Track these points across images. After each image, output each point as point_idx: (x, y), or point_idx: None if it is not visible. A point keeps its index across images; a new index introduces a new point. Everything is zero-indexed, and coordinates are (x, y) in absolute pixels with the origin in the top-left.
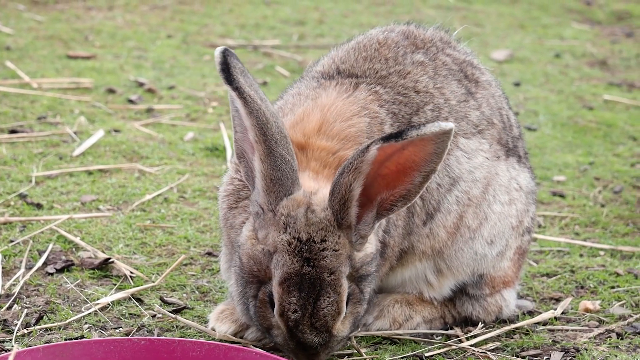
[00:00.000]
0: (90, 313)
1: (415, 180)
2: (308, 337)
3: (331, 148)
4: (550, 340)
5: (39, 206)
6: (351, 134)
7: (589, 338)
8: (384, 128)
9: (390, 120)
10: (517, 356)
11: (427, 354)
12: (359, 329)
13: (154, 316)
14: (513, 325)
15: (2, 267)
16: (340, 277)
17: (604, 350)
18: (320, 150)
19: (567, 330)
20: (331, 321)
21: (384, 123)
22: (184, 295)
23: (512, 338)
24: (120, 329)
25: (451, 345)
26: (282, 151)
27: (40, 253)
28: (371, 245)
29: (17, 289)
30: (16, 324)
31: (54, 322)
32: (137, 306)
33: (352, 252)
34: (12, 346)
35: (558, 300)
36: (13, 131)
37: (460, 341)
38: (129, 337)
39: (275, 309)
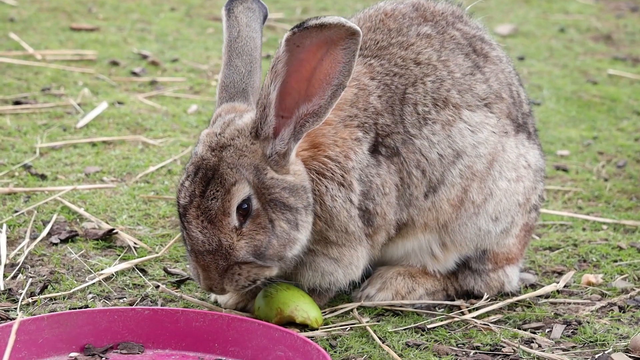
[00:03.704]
0: (94, 283)
1: (326, 94)
2: (193, 231)
3: None
4: (552, 313)
5: (43, 177)
6: None
7: (591, 311)
8: (370, 99)
9: (380, 92)
10: (519, 328)
11: (429, 326)
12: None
13: (157, 287)
14: (515, 298)
15: (7, 237)
16: (236, 175)
17: (605, 323)
18: None
19: (569, 304)
20: (217, 218)
21: (372, 94)
22: (188, 266)
23: (514, 311)
24: (124, 299)
25: (453, 318)
26: (239, 63)
27: (45, 223)
28: (295, 178)
29: (21, 259)
30: (21, 293)
31: (58, 292)
32: (141, 277)
33: (263, 164)
34: (17, 315)
35: (560, 273)
36: (17, 102)
37: (463, 313)
38: (133, 306)
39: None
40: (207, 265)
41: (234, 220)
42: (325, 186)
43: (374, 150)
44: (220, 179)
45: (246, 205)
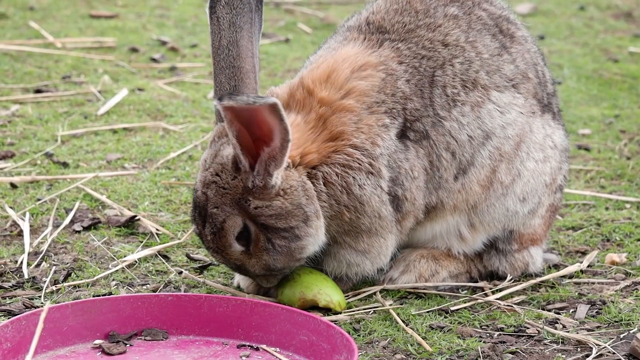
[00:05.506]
0: (117, 270)
1: (276, 145)
2: (214, 256)
3: (329, 98)
4: (577, 293)
5: (65, 165)
6: (360, 87)
7: (615, 291)
8: (398, 84)
9: (408, 76)
10: (543, 309)
11: (452, 308)
12: (282, 271)
13: (180, 273)
14: (539, 279)
15: (30, 226)
16: (223, 214)
17: (630, 303)
18: (317, 99)
19: (593, 283)
20: (222, 249)
21: (400, 79)
22: None
23: (538, 291)
24: (148, 285)
25: (477, 299)
26: (223, 79)
27: (67, 211)
28: (282, 202)
29: (45, 247)
30: (45, 281)
31: (82, 279)
32: (164, 263)
33: (246, 196)
34: (42, 303)
35: (584, 253)
36: (38, 91)
37: (486, 295)
38: (156, 293)
39: None
40: (243, 273)
41: (237, 248)
42: (353, 177)
43: (402, 136)
44: (211, 218)
45: (245, 233)
